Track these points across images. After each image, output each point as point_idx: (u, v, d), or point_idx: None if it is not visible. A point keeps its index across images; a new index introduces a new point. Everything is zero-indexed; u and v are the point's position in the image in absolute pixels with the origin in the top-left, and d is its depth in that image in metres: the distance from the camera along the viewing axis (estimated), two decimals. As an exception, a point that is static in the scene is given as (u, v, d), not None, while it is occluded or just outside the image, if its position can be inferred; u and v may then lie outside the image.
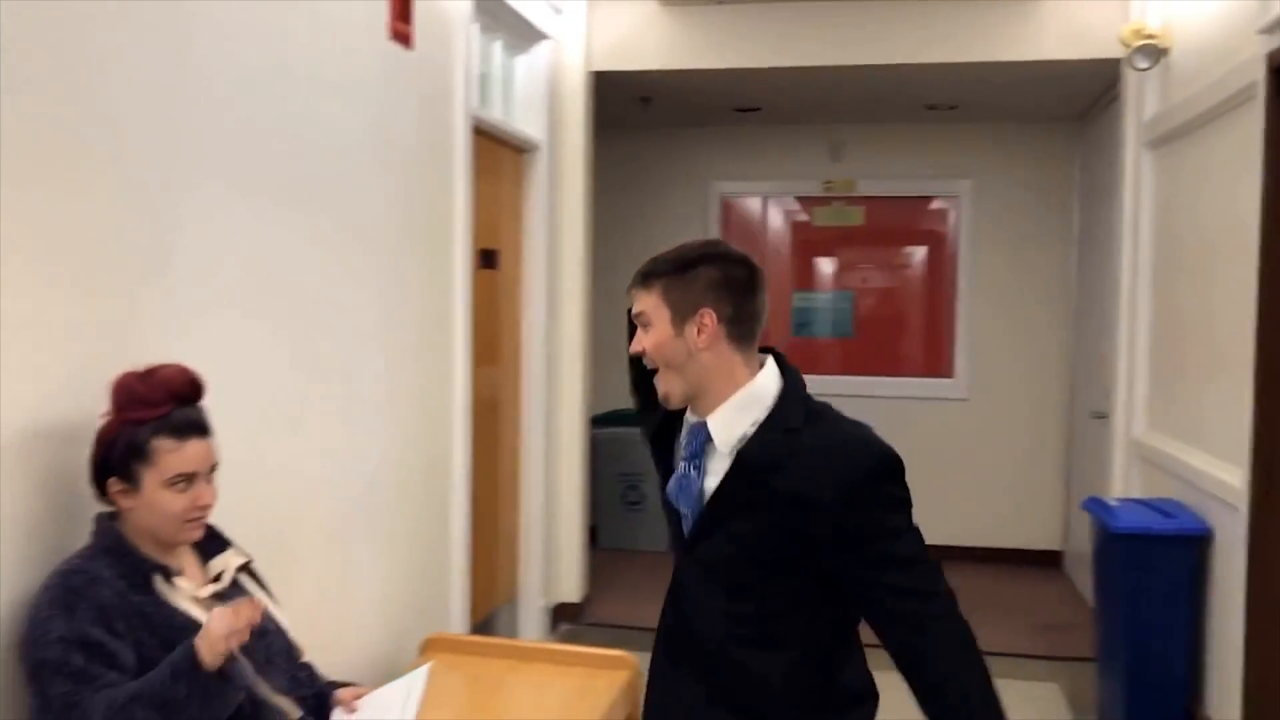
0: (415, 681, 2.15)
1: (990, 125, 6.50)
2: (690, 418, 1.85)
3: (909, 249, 6.86)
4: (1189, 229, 4.06)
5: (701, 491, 1.80)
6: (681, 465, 1.83)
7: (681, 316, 1.77)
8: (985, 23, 4.91)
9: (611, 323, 5.69)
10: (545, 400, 5.01)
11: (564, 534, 5.26)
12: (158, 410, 1.91)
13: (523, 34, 4.66)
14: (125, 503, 1.92)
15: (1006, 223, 6.54)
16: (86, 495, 1.98)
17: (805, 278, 6.96)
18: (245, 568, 2.14)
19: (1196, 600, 3.76)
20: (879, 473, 1.72)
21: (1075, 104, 5.93)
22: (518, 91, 4.75)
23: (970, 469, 6.55)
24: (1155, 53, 4.32)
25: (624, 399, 6.14)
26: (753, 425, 1.76)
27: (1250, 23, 3.33)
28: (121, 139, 2.20)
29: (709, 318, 1.76)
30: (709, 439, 1.80)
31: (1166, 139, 4.32)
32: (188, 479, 1.94)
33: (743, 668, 1.79)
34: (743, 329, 1.79)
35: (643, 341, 1.81)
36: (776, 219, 7.05)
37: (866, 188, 6.76)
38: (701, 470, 1.81)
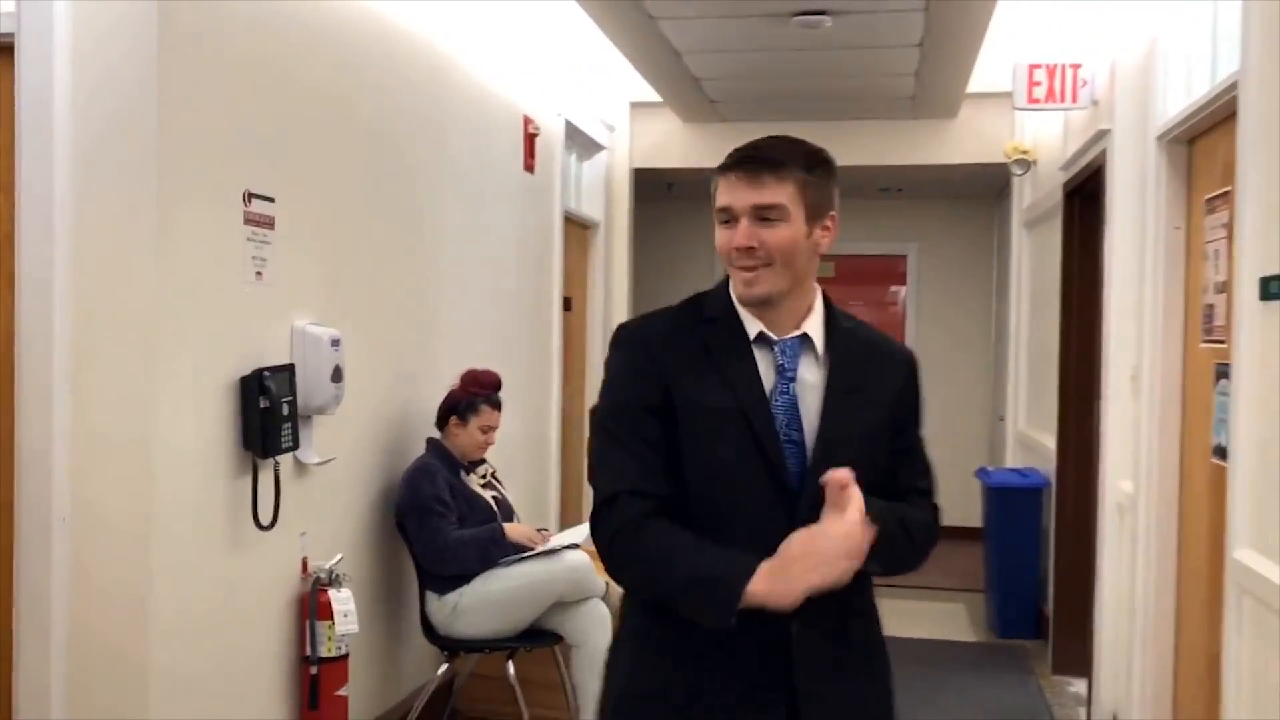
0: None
1: (930, 202, 8.50)
2: (768, 332, 1.71)
3: (874, 295, 8.84)
4: (1043, 283, 6.02)
5: (800, 410, 1.69)
6: (786, 386, 1.69)
7: (814, 216, 1.67)
8: (916, 136, 6.90)
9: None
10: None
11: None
12: (484, 390, 3.86)
13: (588, 147, 6.63)
14: (455, 431, 3.86)
15: (945, 274, 8.52)
16: (410, 430, 3.91)
17: (790, 317, 8.94)
18: (493, 472, 4.07)
19: (1040, 532, 5.68)
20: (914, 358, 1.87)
21: (993, 186, 7.92)
22: (584, 187, 6.71)
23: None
24: (1027, 164, 6.29)
25: None
26: (822, 324, 1.74)
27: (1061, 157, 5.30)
28: (420, 241, 4.15)
29: (834, 221, 1.70)
30: (803, 350, 1.71)
31: (1033, 222, 6.29)
32: (485, 430, 3.87)
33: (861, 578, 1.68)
34: None
35: (763, 236, 1.65)
36: (768, 271, 9.03)
37: (837, 249, 8.71)
38: (799, 387, 1.70)
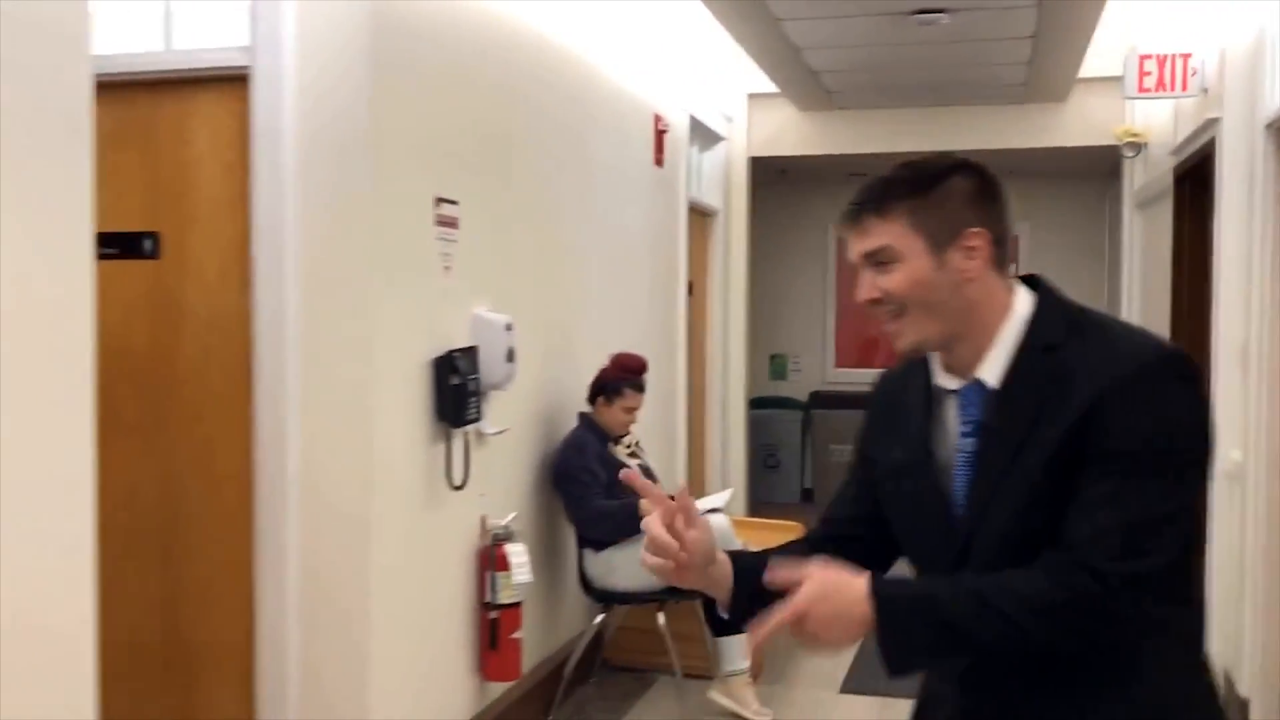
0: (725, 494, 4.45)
1: (1041, 182, 8.65)
2: (946, 383, 1.52)
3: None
4: (1154, 262, 6.20)
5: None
6: (965, 442, 1.48)
7: (941, 242, 1.44)
8: (1027, 120, 7.10)
9: (761, 328, 7.96)
10: (721, 388, 7.31)
11: (736, 485, 7.53)
12: (629, 375, 4.27)
13: (709, 139, 6.98)
14: (602, 409, 4.28)
15: (1057, 252, 8.67)
16: (563, 404, 4.34)
17: (901, 297, 9.17)
18: (637, 442, 4.48)
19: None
20: (1153, 373, 1.39)
21: (1104, 167, 8.05)
22: (704, 176, 7.07)
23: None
24: (1138, 146, 6.46)
25: (766, 388, 9.12)
26: (1008, 353, 1.47)
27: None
28: (569, 234, 4.56)
29: (980, 238, 1.45)
30: (985, 394, 1.47)
31: (1145, 203, 6.46)
32: (628, 411, 4.29)
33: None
34: (1004, 249, 1.49)
35: (881, 283, 1.47)
36: (878, 253, 9.28)
37: (947, 229, 8.95)
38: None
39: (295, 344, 3.13)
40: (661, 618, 4.30)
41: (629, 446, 4.43)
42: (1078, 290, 7.33)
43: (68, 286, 2.13)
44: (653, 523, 1.46)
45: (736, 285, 7.47)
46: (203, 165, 3.23)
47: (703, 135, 6.80)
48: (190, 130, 3.24)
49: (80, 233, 2.16)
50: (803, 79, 6.50)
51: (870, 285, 1.49)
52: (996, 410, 1.46)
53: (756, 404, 8.57)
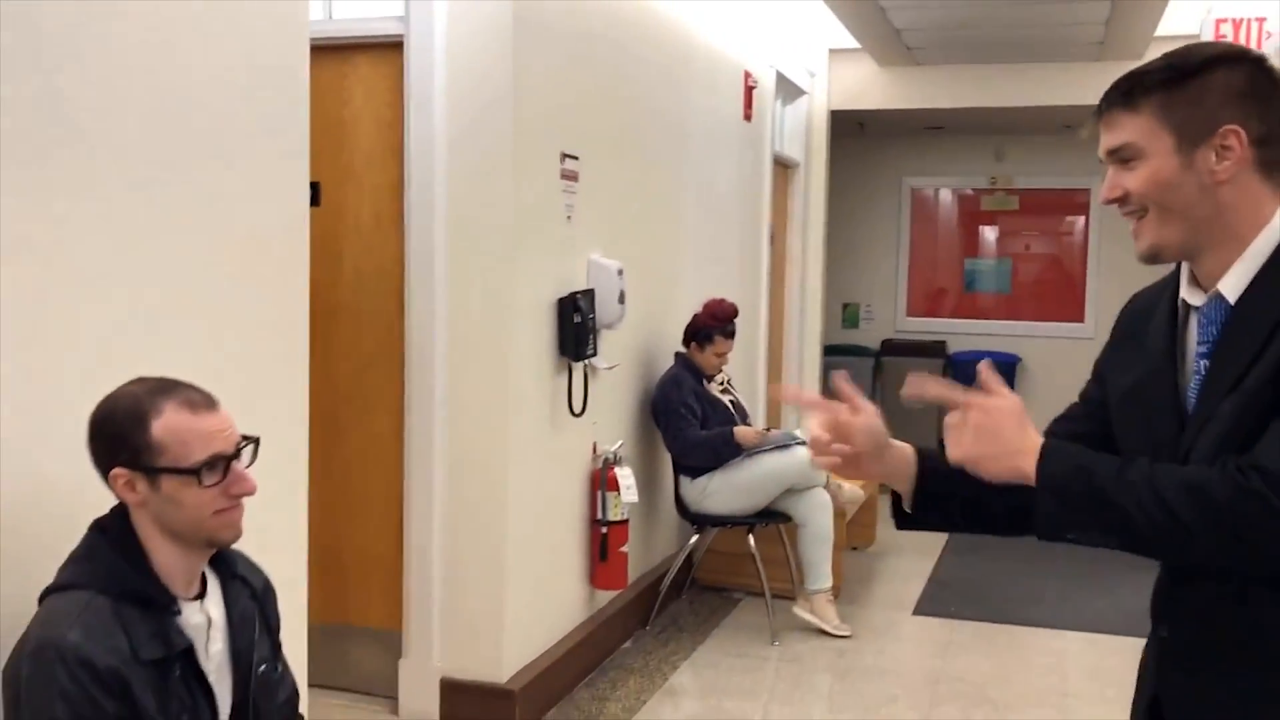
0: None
1: (1115, 136, 8.80)
2: (1192, 298, 1.41)
3: (1054, 226, 9.24)
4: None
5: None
6: (1200, 364, 1.38)
7: (1192, 140, 1.33)
8: (1103, 77, 7.21)
9: (836, 277, 8.28)
10: (798, 334, 7.64)
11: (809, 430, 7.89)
12: (720, 323, 4.63)
13: (792, 93, 7.26)
14: (695, 351, 4.65)
15: (1127, 208, 8.83)
16: (662, 343, 4.71)
17: (973, 248, 9.41)
18: (729, 379, 4.85)
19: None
20: None
21: (1177, 122, 8.19)
22: (787, 129, 7.35)
23: (1095, 389, 8.91)
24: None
25: (839, 336, 9.44)
26: (1256, 267, 1.34)
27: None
28: (669, 187, 4.91)
29: (1236, 137, 1.31)
30: (1226, 309, 1.35)
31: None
32: (719, 355, 4.64)
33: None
34: (1275, 151, 1.34)
35: (1124, 182, 1.37)
36: (951, 205, 9.51)
37: (1020, 182, 9.16)
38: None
39: (442, 282, 3.54)
40: (751, 540, 4.70)
41: (721, 384, 4.80)
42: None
43: (290, 227, 2.52)
44: (812, 425, 1.52)
45: (814, 236, 7.77)
46: (359, 123, 3.63)
47: (787, 90, 7.08)
48: (347, 90, 3.64)
49: (299, 181, 2.55)
50: (884, 35, 6.74)
51: (1112, 184, 1.40)
52: (1230, 325, 1.35)
53: (830, 351, 8.89)
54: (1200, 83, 1.35)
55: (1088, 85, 7.41)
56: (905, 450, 1.55)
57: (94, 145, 1.98)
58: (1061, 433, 1.54)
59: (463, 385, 3.56)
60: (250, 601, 1.83)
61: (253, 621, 1.82)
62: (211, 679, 1.71)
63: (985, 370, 1.40)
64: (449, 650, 3.62)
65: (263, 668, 1.82)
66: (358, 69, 3.62)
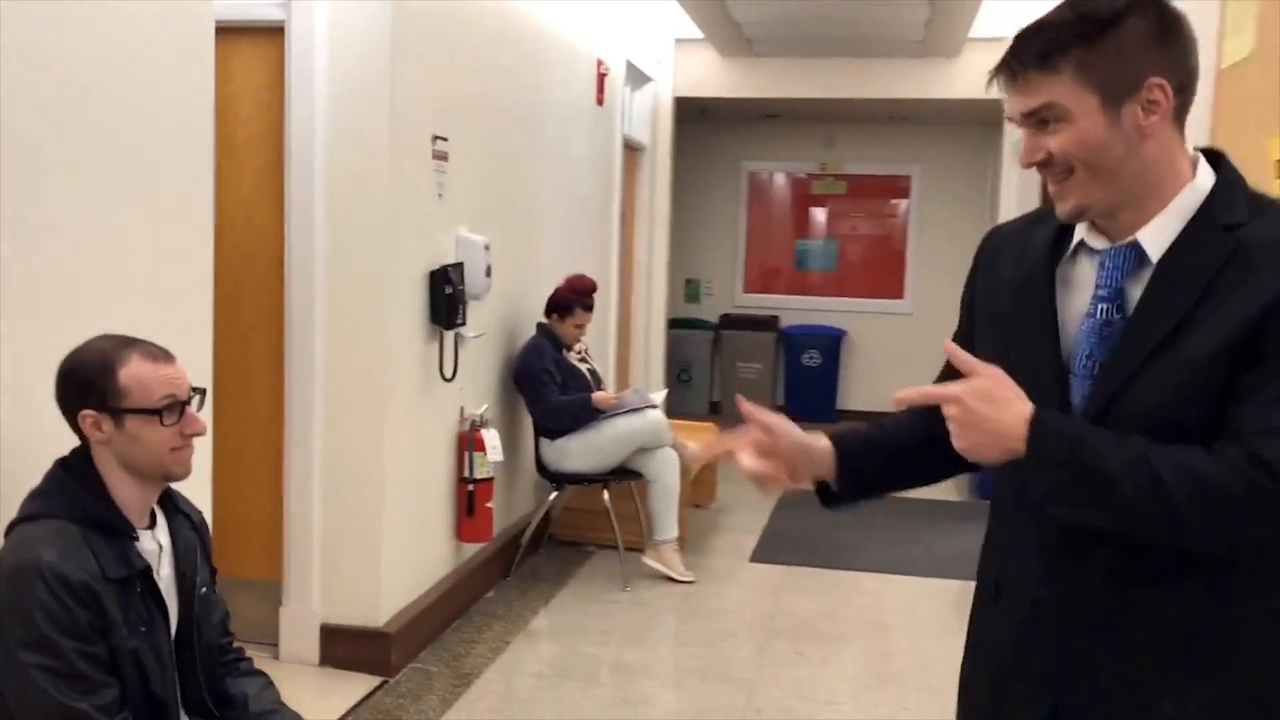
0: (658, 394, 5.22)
1: (933, 128, 9.52)
2: (1094, 241, 1.37)
3: (878, 209, 9.93)
4: (1031, 203, 7.12)
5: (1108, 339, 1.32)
6: (1095, 308, 1.34)
7: (1117, 97, 1.27)
8: (923, 73, 7.92)
9: (679, 255, 8.74)
10: (645, 308, 8.06)
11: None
12: (579, 296, 4.98)
13: (640, 80, 7.64)
14: (555, 323, 4.99)
15: (944, 192, 9.58)
16: (524, 314, 5.04)
17: (804, 229, 10.01)
18: (586, 349, 5.21)
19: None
20: None
21: (989, 117, 8.94)
22: (635, 114, 7.74)
23: (911, 364, 9.62)
24: (1017, 101, 7.32)
25: (682, 310, 9.93)
26: (1179, 226, 1.31)
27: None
28: (531, 167, 5.23)
29: (1161, 90, 1.27)
30: (1138, 260, 1.32)
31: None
32: (578, 326, 5.00)
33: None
34: (1187, 99, 1.31)
35: (1044, 143, 1.31)
36: (785, 188, 10.09)
37: (849, 168, 9.80)
38: (1124, 309, 1.33)
39: (322, 254, 3.78)
40: (606, 496, 5.09)
41: (579, 353, 5.17)
42: (963, 223, 8.40)
43: (195, 189, 2.75)
44: (744, 459, 1.50)
45: (660, 215, 8.20)
46: (241, 102, 3.83)
47: (635, 77, 7.47)
48: (228, 70, 3.82)
49: (204, 151, 2.77)
50: (726, 28, 7.20)
51: (1032, 146, 1.33)
52: (1155, 283, 1.31)
53: (674, 324, 9.36)
54: (1117, 35, 1.28)
55: (910, 80, 8.07)
56: (823, 441, 1.56)
57: None
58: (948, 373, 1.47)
59: (341, 352, 3.81)
60: (192, 533, 2.10)
61: (195, 549, 2.09)
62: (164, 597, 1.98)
63: (950, 350, 1.37)
64: (328, 599, 3.88)
65: (204, 590, 2.09)
66: (239, 50, 3.81)
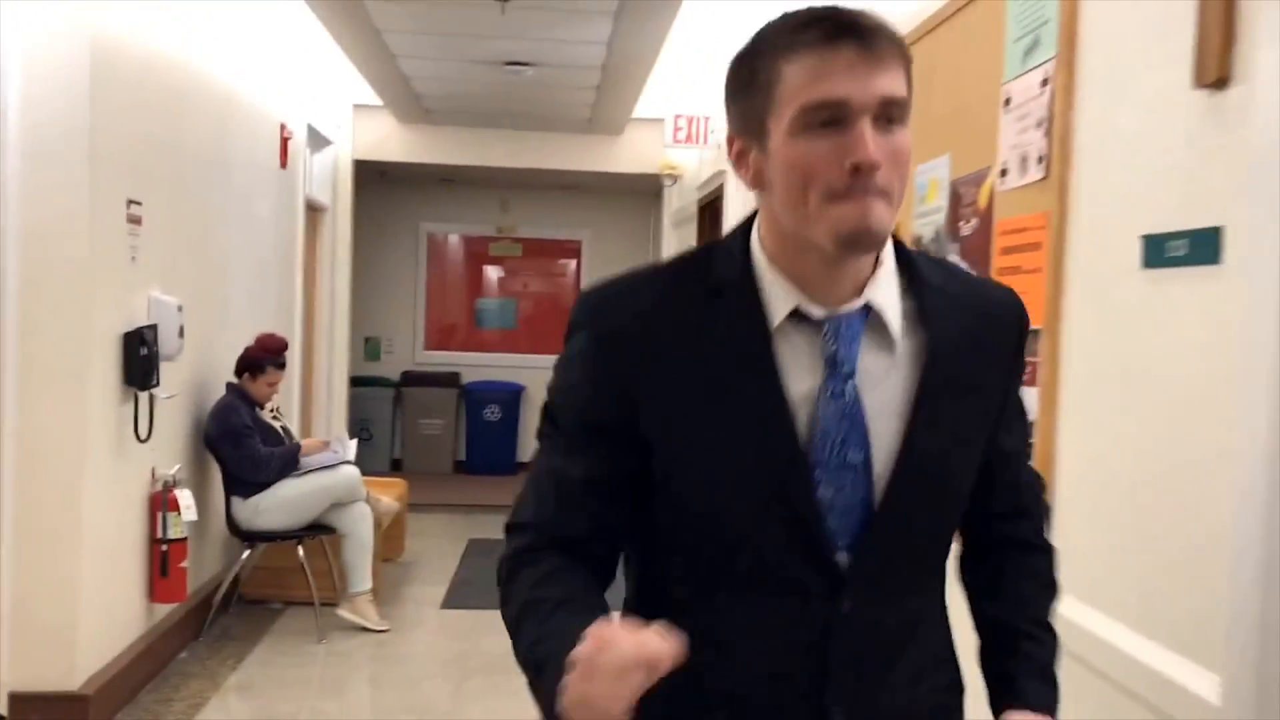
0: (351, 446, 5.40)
1: (600, 196, 10.26)
2: (812, 310, 1.15)
3: (550, 269, 10.51)
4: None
5: (864, 422, 1.14)
6: (839, 387, 1.13)
7: (908, 115, 1.10)
8: (591, 147, 8.59)
9: (360, 313, 8.91)
10: (327, 365, 8.16)
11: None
12: (270, 355, 5.09)
13: (321, 143, 7.81)
14: (248, 382, 5.08)
15: (611, 256, 10.30)
16: (214, 374, 5.11)
17: (481, 289, 10.43)
18: (277, 407, 5.32)
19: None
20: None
21: (651, 189, 9.77)
22: (316, 175, 7.88)
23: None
24: (674, 177, 8.12)
25: (362, 368, 10.23)
26: (894, 281, 1.18)
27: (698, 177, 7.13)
28: (217, 230, 5.31)
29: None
30: (867, 328, 1.15)
31: (679, 223, 8.15)
32: (270, 385, 5.13)
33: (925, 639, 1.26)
34: None
35: (894, 143, 1.08)
36: (462, 250, 10.48)
37: (523, 231, 10.34)
38: (861, 385, 1.14)
39: (13, 315, 3.75)
40: (301, 552, 5.20)
41: (272, 411, 5.28)
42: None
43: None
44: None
45: (341, 274, 8.34)
46: (-79, 161, 3.74)
47: (316, 140, 7.62)
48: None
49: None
50: (404, 96, 7.53)
51: (884, 144, 1.07)
52: (931, 350, 1.16)
53: (355, 382, 9.47)
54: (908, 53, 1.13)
55: (579, 153, 8.73)
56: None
57: None
58: (591, 477, 1.22)
59: (33, 414, 3.78)
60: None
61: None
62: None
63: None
64: (17, 664, 3.80)
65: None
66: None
